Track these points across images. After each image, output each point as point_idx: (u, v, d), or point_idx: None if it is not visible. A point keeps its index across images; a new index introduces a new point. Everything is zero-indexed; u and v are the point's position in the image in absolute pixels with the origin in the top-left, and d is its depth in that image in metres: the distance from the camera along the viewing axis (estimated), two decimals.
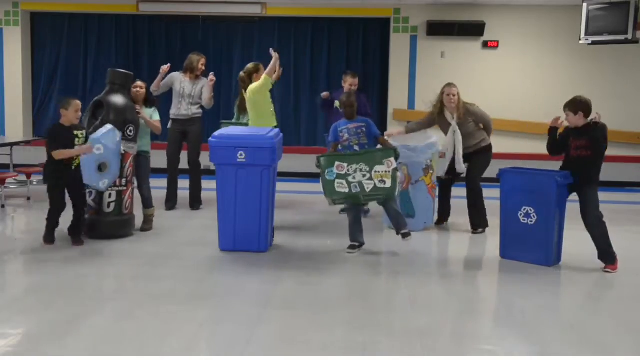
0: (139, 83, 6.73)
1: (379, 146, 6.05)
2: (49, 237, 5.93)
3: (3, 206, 7.79)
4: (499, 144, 10.96)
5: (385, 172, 5.66)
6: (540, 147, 9.96)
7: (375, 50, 11.64)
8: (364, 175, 5.66)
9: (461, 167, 6.78)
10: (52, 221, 5.92)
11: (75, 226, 5.99)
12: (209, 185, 7.62)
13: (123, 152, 6.19)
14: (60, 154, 5.75)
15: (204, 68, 7.78)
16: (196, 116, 7.79)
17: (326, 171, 5.74)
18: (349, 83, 7.60)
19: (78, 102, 5.91)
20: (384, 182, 5.66)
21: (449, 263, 5.87)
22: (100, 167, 5.84)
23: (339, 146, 6.12)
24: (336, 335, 3.95)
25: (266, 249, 5.85)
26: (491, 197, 6.66)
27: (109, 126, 5.97)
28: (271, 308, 4.44)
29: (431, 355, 3.70)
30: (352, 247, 5.97)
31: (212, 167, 5.86)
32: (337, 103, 7.58)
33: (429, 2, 10.89)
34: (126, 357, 3.57)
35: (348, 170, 5.69)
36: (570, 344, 3.92)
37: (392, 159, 5.69)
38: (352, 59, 11.61)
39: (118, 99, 6.25)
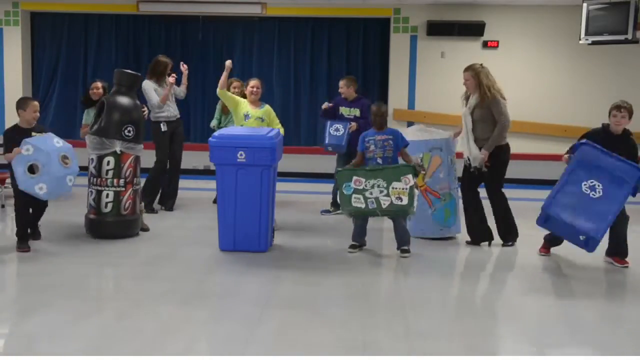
0: (96, 84, 6.92)
1: (400, 159, 5.97)
2: (22, 244, 5.74)
3: (3, 206, 7.79)
4: None
5: (403, 189, 5.60)
6: (540, 147, 9.98)
7: (375, 50, 11.64)
8: (381, 192, 5.62)
9: (470, 154, 6.20)
10: (19, 222, 5.78)
11: (32, 217, 5.91)
12: (208, 185, 7.62)
13: (120, 152, 6.18)
14: (6, 157, 5.60)
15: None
16: (179, 116, 7.83)
17: (343, 185, 5.73)
18: (339, 86, 7.74)
19: (36, 103, 5.84)
20: (401, 199, 5.60)
21: (448, 264, 5.87)
22: (32, 169, 5.47)
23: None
24: (336, 335, 3.95)
25: (266, 249, 5.85)
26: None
27: (48, 133, 5.80)
28: (271, 308, 4.44)
29: (431, 355, 3.70)
30: (353, 246, 5.98)
31: (212, 167, 5.86)
32: (342, 110, 7.62)
33: (429, 2, 10.90)
34: (126, 357, 3.57)
35: (365, 186, 5.66)
36: (571, 344, 3.92)
37: (410, 176, 5.60)
38: (352, 59, 11.61)
39: (122, 100, 6.28)
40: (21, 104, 5.80)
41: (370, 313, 4.38)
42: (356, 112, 7.61)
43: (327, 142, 7.50)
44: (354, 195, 5.69)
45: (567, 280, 5.28)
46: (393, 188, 5.60)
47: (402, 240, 5.91)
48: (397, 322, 4.21)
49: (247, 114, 6.80)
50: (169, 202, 7.76)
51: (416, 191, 5.64)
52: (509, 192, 6.35)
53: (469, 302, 4.87)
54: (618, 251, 5.65)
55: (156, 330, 3.99)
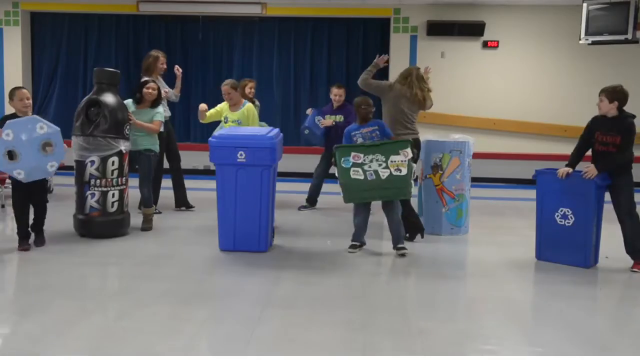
0: (151, 84, 6.75)
1: None
2: (22, 242, 5.76)
3: (3, 206, 7.79)
4: (499, 144, 11.05)
5: (402, 161, 5.70)
6: (540, 147, 9.97)
7: (375, 50, 11.60)
8: (380, 165, 5.70)
9: None
10: (18, 221, 5.76)
11: (34, 224, 5.88)
12: (208, 185, 7.61)
13: (124, 151, 6.23)
14: None
15: (164, 66, 7.59)
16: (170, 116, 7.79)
17: (342, 159, 5.76)
18: (334, 94, 7.83)
19: (24, 91, 5.81)
20: (400, 170, 5.69)
21: (448, 264, 5.86)
22: (11, 155, 5.50)
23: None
24: (336, 335, 3.95)
25: (266, 249, 5.85)
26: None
27: (33, 116, 5.70)
28: (271, 308, 4.44)
29: (431, 355, 3.70)
30: (353, 246, 5.98)
31: (212, 167, 5.86)
32: (330, 117, 7.76)
33: (429, 2, 10.89)
34: (126, 357, 3.57)
35: (364, 160, 5.72)
36: (571, 344, 3.92)
37: (408, 150, 5.71)
38: (352, 59, 11.61)
39: (109, 98, 6.26)
40: (10, 94, 5.81)
41: (370, 313, 4.37)
42: (340, 118, 7.71)
43: (306, 124, 7.79)
44: (352, 169, 5.73)
45: (567, 280, 5.27)
46: (392, 161, 5.70)
47: (398, 236, 5.92)
48: (397, 322, 4.21)
49: (226, 117, 6.97)
50: (181, 201, 7.79)
51: (413, 165, 5.76)
52: (510, 192, 6.35)
53: (468, 301, 4.87)
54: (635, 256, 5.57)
55: (156, 330, 3.99)
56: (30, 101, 5.86)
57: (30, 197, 5.82)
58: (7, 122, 5.60)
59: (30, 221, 5.90)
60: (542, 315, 4.49)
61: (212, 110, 7.14)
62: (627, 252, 5.57)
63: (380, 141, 5.84)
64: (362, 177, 5.73)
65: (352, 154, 5.74)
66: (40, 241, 5.89)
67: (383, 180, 5.71)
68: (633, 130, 5.49)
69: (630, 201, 5.47)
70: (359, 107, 6.06)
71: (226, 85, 7.02)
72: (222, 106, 7.11)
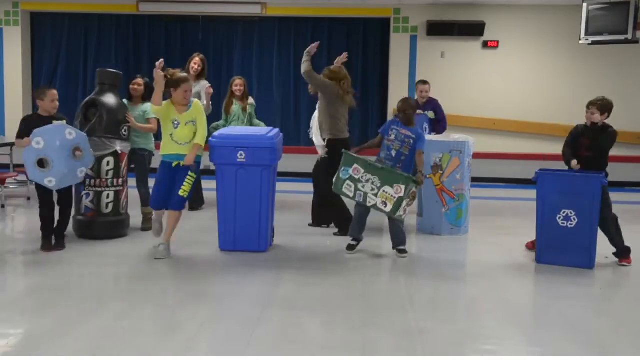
0: (137, 80, 6.75)
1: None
2: (45, 243, 5.71)
3: (3, 206, 7.79)
4: (499, 144, 11.05)
5: (391, 196, 5.56)
6: (540, 147, 9.95)
7: (375, 50, 11.64)
8: (372, 190, 5.61)
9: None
10: (44, 221, 5.71)
11: (58, 228, 5.81)
12: (209, 185, 7.61)
13: (120, 151, 6.21)
14: (17, 144, 5.66)
15: (196, 66, 7.57)
16: None
17: (342, 168, 5.74)
18: (420, 90, 7.98)
19: (54, 92, 5.79)
20: (385, 204, 5.57)
21: (449, 264, 5.86)
22: (41, 163, 5.51)
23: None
24: (336, 335, 3.95)
25: (266, 249, 5.84)
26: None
27: (59, 123, 5.69)
28: (271, 308, 4.44)
29: (431, 355, 3.70)
30: (350, 247, 5.96)
31: (212, 167, 5.86)
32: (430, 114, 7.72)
33: (429, 2, 10.90)
34: (126, 357, 3.57)
35: (361, 177, 5.66)
36: (570, 344, 3.92)
37: (402, 187, 5.52)
38: (352, 59, 11.54)
39: (110, 99, 6.25)
40: (39, 94, 5.77)
41: (370, 313, 4.37)
42: (431, 114, 7.67)
43: None
44: (347, 182, 5.70)
45: (566, 281, 5.27)
46: (384, 191, 5.59)
47: (398, 240, 5.90)
48: (397, 322, 4.21)
49: (175, 120, 5.67)
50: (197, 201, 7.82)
51: (405, 202, 5.56)
52: (510, 192, 6.35)
53: (468, 302, 4.86)
54: (617, 252, 5.72)
55: (156, 330, 3.99)
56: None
57: (58, 201, 5.81)
58: (35, 130, 5.52)
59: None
60: (542, 316, 4.49)
61: (161, 108, 5.65)
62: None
63: (383, 166, 5.71)
64: (351, 195, 5.70)
65: (354, 166, 5.67)
66: (60, 245, 5.79)
67: (367, 206, 5.69)
68: (614, 138, 5.71)
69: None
70: (399, 113, 5.96)
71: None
72: (167, 105, 5.67)
